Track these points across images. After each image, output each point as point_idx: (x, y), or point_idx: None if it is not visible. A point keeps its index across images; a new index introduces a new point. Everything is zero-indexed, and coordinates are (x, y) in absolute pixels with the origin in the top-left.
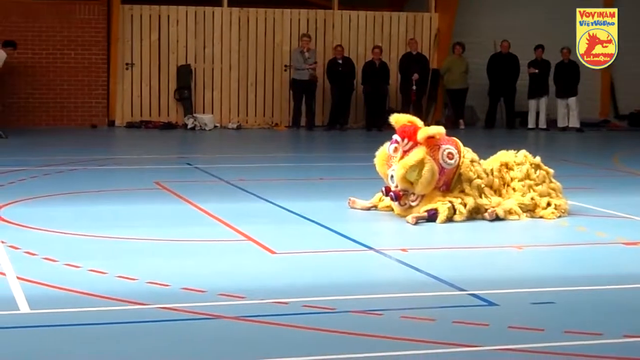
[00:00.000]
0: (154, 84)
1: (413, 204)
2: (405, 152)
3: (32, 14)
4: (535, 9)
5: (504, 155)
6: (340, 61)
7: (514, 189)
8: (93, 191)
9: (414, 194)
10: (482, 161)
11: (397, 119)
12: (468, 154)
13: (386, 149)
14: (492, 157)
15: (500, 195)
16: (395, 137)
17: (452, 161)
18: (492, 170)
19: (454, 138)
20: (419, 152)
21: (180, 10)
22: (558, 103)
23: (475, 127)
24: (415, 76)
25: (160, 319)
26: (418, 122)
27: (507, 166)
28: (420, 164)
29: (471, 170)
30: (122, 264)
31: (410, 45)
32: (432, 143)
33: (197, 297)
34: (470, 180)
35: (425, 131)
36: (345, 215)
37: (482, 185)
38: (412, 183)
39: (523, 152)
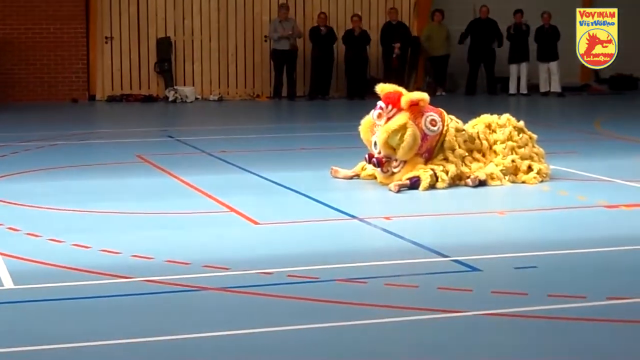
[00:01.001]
0: (133, 57)
1: (395, 170)
2: (389, 119)
3: None
4: None
5: (487, 118)
6: (322, 28)
7: (495, 152)
8: (75, 166)
9: (396, 160)
10: (466, 125)
11: (383, 88)
12: (452, 122)
13: (371, 116)
14: (475, 119)
15: (484, 157)
16: (380, 103)
17: (435, 128)
18: (477, 133)
19: (440, 109)
20: (401, 117)
21: None
22: (539, 67)
23: (456, 94)
24: (397, 46)
25: (145, 292)
26: (403, 90)
27: (489, 127)
28: (403, 128)
29: (455, 140)
30: (106, 237)
31: (390, 14)
32: (415, 110)
33: (181, 269)
34: (453, 149)
35: (409, 96)
36: (327, 184)
37: (465, 155)
38: (394, 149)
39: (506, 115)
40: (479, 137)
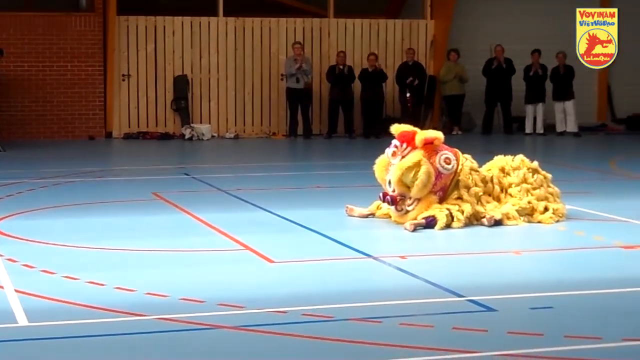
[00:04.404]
0: (150, 94)
1: (409, 208)
2: (403, 157)
3: (28, 27)
4: (531, 14)
5: (501, 160)
6: (342, 67)
7: (510, 195)
8: (91, 203)
9: (410, 198)
10: (480, 168)
11: (397, 128)
12: (467, 162)
13: (386, 154)
14: (489, 163)
15: (498, 202)
16: (395, 142)
17: (449, 166)
18: (492, 177)
19: (455, 148)
20: (415, 155)
21: (176, 20)
22: (555, 107)
23: (472, 133)
24: (415, 82)
25: (160, 330)
26: (418, 129)
27: (503, 171)
28: (417, 166)
29: (470, 179)
30: (121, 275)
31: (407, 54)
32: (430, 149)
33: (196, 307)
34: (468, 188)
35: (423, 135)
36: (343, 223)
37: (480, 194)
38: (408, 187)
39: (520, 156)
40: (492, 181)
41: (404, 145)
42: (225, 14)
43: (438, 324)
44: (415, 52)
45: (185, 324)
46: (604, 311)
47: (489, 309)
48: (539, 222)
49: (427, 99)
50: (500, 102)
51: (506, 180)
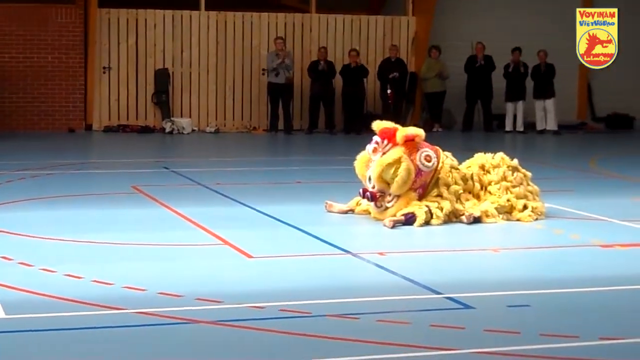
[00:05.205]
0: (131, 87)
1: (389, 205)
2: (384, 153)
3: (9, 18)
4: (513, 12)
5: (481, 158)
6: (322, 63)
7: (490, 192)
8: (70, 196)
9: (390, 194)
10: (460, 165)
11: (379, 125)
12: (448, 159)
13: (367, 150)
14: (469, 160)
15: (478, 199)
16: (376, 138)
17: (430, 164)
18: (472, 175)
19: (435, 146)
20: (396, 152)
21: (158, 14)
22: (535, 105)
23: (453, 130)
24: (396, 75)
25: (137, 324)
26: (399, 126)
27: (483, 168)
28: (397, 162)
29: (450, 176)
30: (98, 268)
31: (391, 51)
32: (411, 145)
33: (173, 301)
34: (448, 185)
35: (404, 132)
36: (322, 218)
37: (460, 192)
38: (388, 183)
39: (500, 154)
40: (472, 179)
41: (385, 142)
42: (207, 8)
43: (416, 321)
44: (398, 50)
45: (162, 318)
46: (581, 310)
47: (467, 307)
48: (518, 220)
49: (408, 95)
50: (480, 99)
51: (486, 178)
